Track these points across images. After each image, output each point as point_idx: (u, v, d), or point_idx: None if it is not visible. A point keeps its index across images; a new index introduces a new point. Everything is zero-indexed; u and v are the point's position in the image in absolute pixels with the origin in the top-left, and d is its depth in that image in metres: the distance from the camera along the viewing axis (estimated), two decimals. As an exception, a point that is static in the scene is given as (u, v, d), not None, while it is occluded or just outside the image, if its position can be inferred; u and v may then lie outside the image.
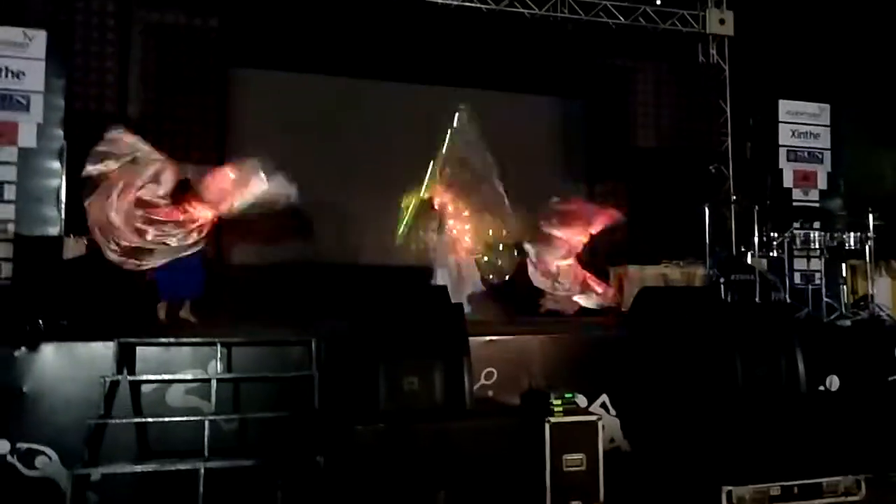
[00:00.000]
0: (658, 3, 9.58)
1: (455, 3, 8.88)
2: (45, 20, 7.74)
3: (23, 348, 4.13)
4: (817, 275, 7.46)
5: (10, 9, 7.55)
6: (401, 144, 8.97)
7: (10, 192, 6.46)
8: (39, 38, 6.63)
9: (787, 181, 8.56)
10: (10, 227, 6.40)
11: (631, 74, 10.46)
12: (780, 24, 9.49)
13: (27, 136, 6.57)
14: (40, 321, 4.40)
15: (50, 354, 4.18)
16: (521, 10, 9.12)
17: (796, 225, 7.26)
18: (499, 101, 9.20)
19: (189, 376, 4.30)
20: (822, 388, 5.39)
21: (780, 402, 4.57)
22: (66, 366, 4.19)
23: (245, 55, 8.81)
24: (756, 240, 7.24)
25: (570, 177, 9.68)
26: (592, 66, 10.12)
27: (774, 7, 9.45)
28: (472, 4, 8.95)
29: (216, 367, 4.32)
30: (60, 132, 6.64)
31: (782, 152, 8.58)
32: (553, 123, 9.47)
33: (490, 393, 4.76)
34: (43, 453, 4.08)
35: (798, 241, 7.12)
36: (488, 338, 4.84)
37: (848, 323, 6.47)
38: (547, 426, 4.23)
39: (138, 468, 3.94)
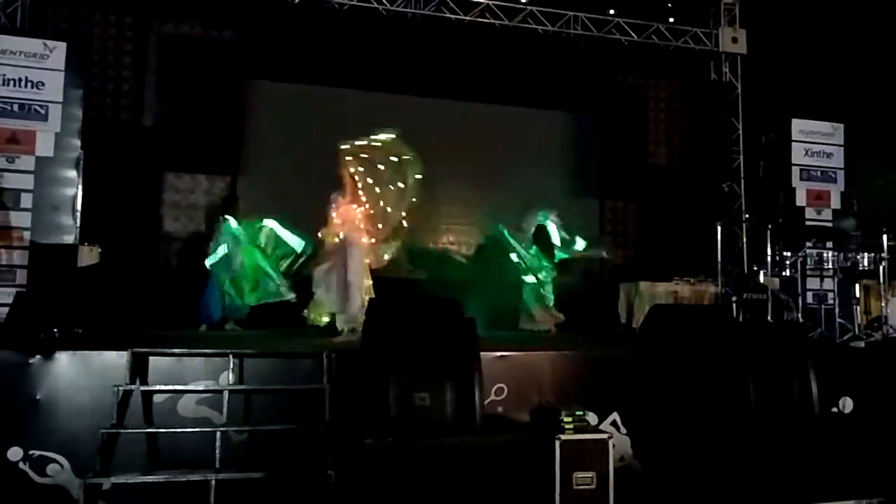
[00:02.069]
0: (671, 20, 9.62)
1: (469, 18, 8.96)
2: (65, 32, 7.90)
3: (38, 356, 4.16)
4: (830, 295, 7.40)
5: (31, 21, 7.70)
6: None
7: (26, 200, 6.56)
8: (59, 49, 6.76)
9: (800, 200, 8.55)
10: (26, 234, 6.48)
11: (643, 91, 10.49)
12: (794, 42, 9.50)
13: (45, 146, 6.68)
14: (55, 329, 4.43)
15: (64, 362, 4.20)
16: (535, 26, 9.18)
17: (809, 244, 7.22)
18: (511, 117, 9.24)
19: (201, 387, 4.31)
20: (835, 409, 5.34)
21: (792, 424, 4.54)
22: (79, 374, 4.21)
23: (260, 67, 8.90)
24: (769, 258, 7.21)
25: (582, 193, 9.68)
26: (605, 83, 10.16)
27: (788, 26, 9.47)
28: (487, 20, 9.02)
29: (228, 378, 4.33)
30: (77, 142, 6.75)
31: (795, 171, 8.57)
32: (565, 139, 9.49)
33: (500, 409, 4.74)
34: (55, 461, 4.09)
35: (811, 261, 7.08)
36: (499, 353, 4.83)
37: (861, 344, 6.40)
38: (557, 443, 4.21)
39: (150, 478, 3.95)
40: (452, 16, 8.91)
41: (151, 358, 4.33)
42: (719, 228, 7.36)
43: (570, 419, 4.35)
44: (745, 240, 9.12)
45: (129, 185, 8.17)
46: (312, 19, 8.71)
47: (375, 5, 8.70)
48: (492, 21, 9.03)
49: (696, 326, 5.10)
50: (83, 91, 6.88)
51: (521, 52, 9.35)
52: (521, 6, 9.11)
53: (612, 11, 9.39)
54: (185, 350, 4.47)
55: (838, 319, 6.65)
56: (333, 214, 6.35)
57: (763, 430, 4.45)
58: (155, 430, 4.18)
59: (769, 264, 7.23)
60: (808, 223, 8.32)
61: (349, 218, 6.28)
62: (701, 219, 9.11)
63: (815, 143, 8.66)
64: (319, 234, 6.52)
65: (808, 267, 7.19)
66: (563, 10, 9.21)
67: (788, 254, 7.23)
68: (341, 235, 6.25)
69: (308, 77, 8.95)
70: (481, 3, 8.97)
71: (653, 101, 10.50)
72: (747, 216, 8.99)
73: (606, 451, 4.30)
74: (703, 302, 8.08)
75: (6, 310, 5.23)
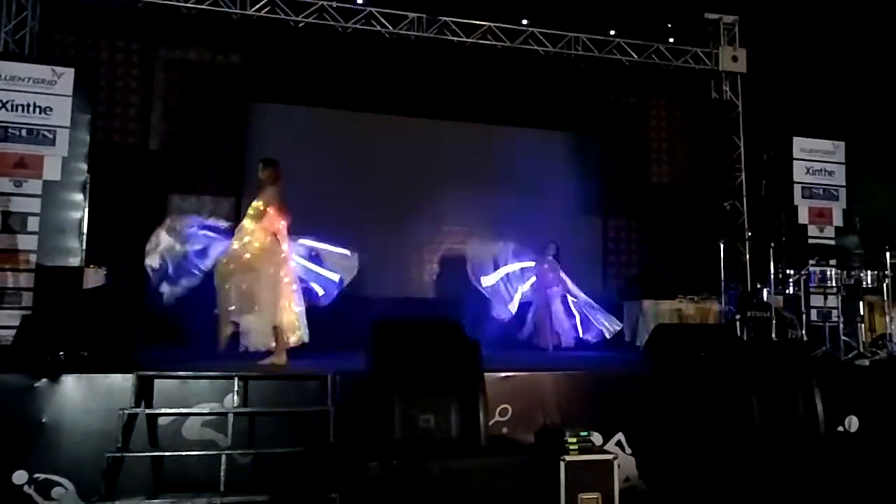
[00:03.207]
0: (671, 40, 9.72)
1: (471, 40, 9.07)
2: (73, 58, 8.02)
3: (44, 379, 4.18)
4: (834, 312, 7.39)
5: (39, 47, 7.82)
6: (417, 178, 9.10)
7: (33, 224, 6.61)
8: (67, 75, 6.86)
9: (803, 218, 8.57)
10: (32, 257, 6.53)
11: (644, 111, 10.56)
12: (793, 61, 9.58)
13: (52, 170, 6.75)
14: (61, 352, 4.45)
15: (70, 386, 4.23)
16: (536, 47, 9.28)
17: (812, 262, 7.23)
18: (514, 137, 9.31)
19: (206, 409, 4.33)
20: (840, 429, 5.32)
21: (797, 443, 4.51)
22: (85, 397, 4.24)
23: (265, 90, 9.00)
24: (772, 276, 7.21)
25: (585, 212, 9.73)
26: (606, 103, 10.24)
27: (787, 44, 9.56)
28: (488, 42, 9.13)
29: (233, 400, 4.35)
30: (84, 166, 6.82)
31: (797, 189, 8.60)
32: (568, 159, 9.53)
33: (504, 430, 4.75)
34: (60, 484, 4.11)
35: (814, 278, 7.08)
36: (503, 374, 4.84)
37: (866, 362, 6.38)
38: (562, 465, 4.20)
39: (155, 502, 3.94)
40: (454, 38, 9.03)
41: (156, 381, 4.35)
42: (722, 246, 7.38)
43: (574, 440, 4.35)
44: (748, 258, 9.13)
45: (135, 207, 8.24)
46: (316, 43, 8.83)
47: (378, 28, 8.82)
48: (493, 43, 9.15)
49: (701, 347, 5.09)
50: (91, 116, 6.96)
51: (523, 74, 9.45)
52: (523, 28, 9.22)
53: (612, 32, 9.50)
54: (190, 373, 4.49)
55: (843, 337, 6.63)
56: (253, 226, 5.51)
57: (768, 450, 4.43)
58: (160, 454, 4.19)
59: (772, 282, 7.23)
60: (810, 241, 8.32)
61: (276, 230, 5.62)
62: (704, 237, 9.14)
63: (817, 160, 8.69)
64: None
65: (811, 284, 7.20)
66: (564, 32, 9.32)
67: (792, 272, 7.24)
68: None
69: (312, 100, 9.05)
70: (483, 26, 9.08)
71: (654, 121, 10.56)
72: (750, 234, 9.01)
73: (611, 472, 4.29)
74: (707, 320, 8.08)
75: (12, 332, 5.29)
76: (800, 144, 8.68)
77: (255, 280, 5.28)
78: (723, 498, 4.36)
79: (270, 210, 5.47)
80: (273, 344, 5.30)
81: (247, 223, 5.49)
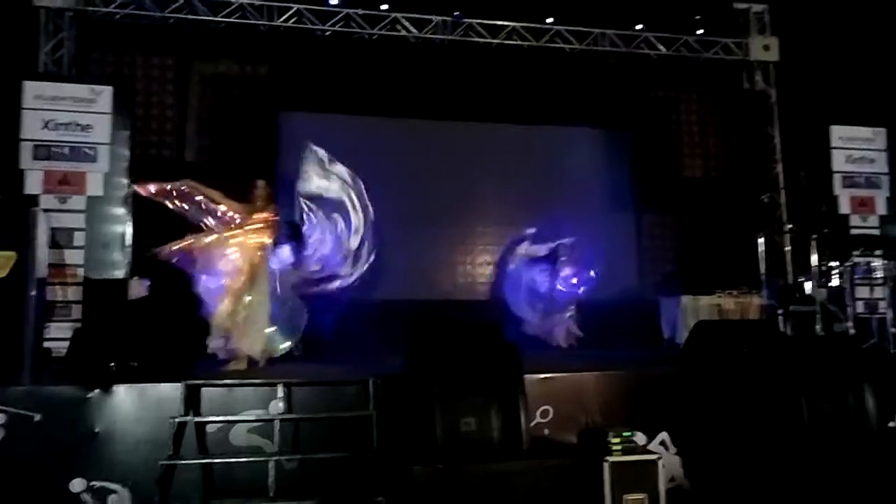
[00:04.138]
0: (700, 32, 9.58)
1: (497, 41, 9.06)
2: (111, 76, 8.24)
3: (96, 390, 4.31)
4: (882, 303, 7.21)
5: (77, 66, 8.05)
6: (448, 181, 9.12)
7: (79, 239, 6.82)
8: (106, 93, 7.07)
9: (844, 208, 8.38)
10: (80, 271, 6.74)
11: (676, 104, 10.41)
12: (827, 47, 9.35)
13: (95, 185, 6.97)
14: (112, 363, 4.58)
15: (121, 396, 4.35)
16: (562, 45, 9.24)
17: (856, 253, 7.06)
18: (544, 136, 9.28)
19: (252, 416, 4.41)
20: (892, 424, 5.18)
21: (848, 441, 4.42)
22: (136, 407, 4.35)
23: (294, 99, 9.12)
24: (814, 269, 7.06)
25: (618, 208, 9.65)
26: (636, 98, 10.12)
27: (820, 31, 9.33)
28: (514, 42, 9.11)
29: (278, 406, 4.42)
30: (125, 180, 7.02)
31: (837, 178, 8.42)
32: (599, 155, 9.47)
33: (546, 431, 4.73)
34: (115, 491, 4.22)
35: (860, 270, 6.91)
36: (543, 375, 4.82)
37: (917, 354, 6.22)
38: (605, 466, 4.18)
39: (208, 508, 4.04)
40: (480, 39, 9.04)
41: (203, 389, 4.45)
42: (761, 240, 7.25)
43: (617, 440, 4.31)
44: (788, 250, 8.95)
45: (174, 217, 8.41)
46: (343, 50, 8.92)
47: (404, 33, 8.88)
48: (519, 42, 9.13)
49: (744, 343, 5.02)
50: (129, 131, 7.15)
51: (551, 72, 9.41)
52: (548, 26, 9.18)
53: (639, 26, 9.40)
54: (235, 381, 4.59)
55: (892, 329, 6.46)
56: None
57: (817, 448, 4.34)
58: (210, 460, 4.28)
59: (815, 275, 7.08)
60: (853, 231, 8.13)
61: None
62: (741, 230, 8.99)
63: (856, 148, 8.50)
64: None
65: (856, 276, 7.04)
66: (590, 28, 9.26)
67: (835, 263, 7.08)
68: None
69: (340, 107, 9.13)
70: (508, 26, 9.07)
71: (686, 114, 10.41)
72: (789, 226, 8.83)
73: (656, 473, 4.25)
74: (748, 315, 7.95)
75: (63, 343, 5.46)
76: (838, 133, 8.50)
77: None
78: (771, 497, 4.29)
79: None
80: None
81: None
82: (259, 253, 5.54)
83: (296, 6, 8.55)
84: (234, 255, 5.48)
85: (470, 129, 9.41)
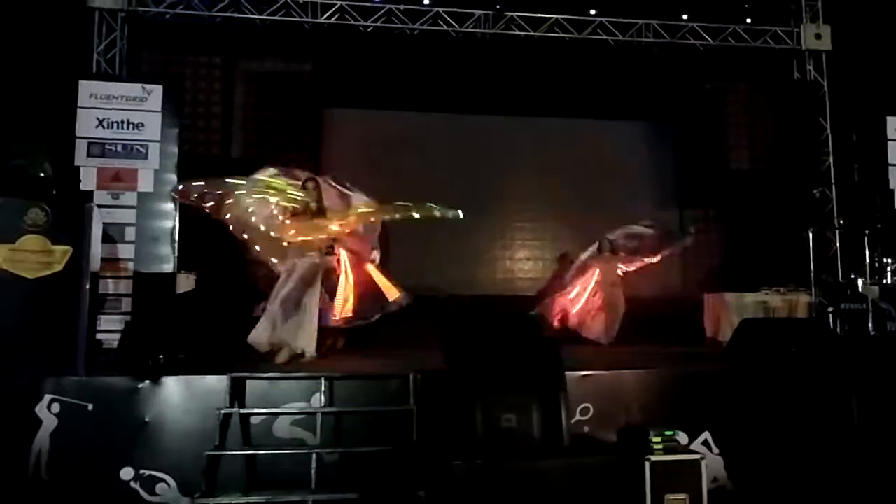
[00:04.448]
0: (748, 21, 9.31)
1: (538, 34, 8.98)
2: (160, 75, 8.46)
3: (146, 381, 4.46)
4: (938, 302, 6.92)
5: (129, 65, 8.29)
6: (489, 175, 9.11)
7: (130, 234, 7.05)
8: (156, 91, 7.27)
9: (900, 202, 8.06)
10: (130, 265, 6.97)
11: (722, 96, 10.15)
12: (883, 35, 8.98)
13: (145, 182, 7.19)
14: (161, 356, 4.73)
15: (170, 387, 4.48)
16: (605, 37, 9.10)
17: (912, 249, 6.80)
18: (587, 129, 9.18)
19: (295, 409, 4.50)
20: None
21: (902, 444, 4.28)
22: (184, 398, 4.48)
23: (337, 95, 9.23)
24: (867, 266, 6.82)
25: (661, 202, 9.48)
26: (681, 89, 9.91)
27: (875, 18, 8.97)
28: (556, 35, 9.02)
29: (320, 399, 4.50)
30: (174, 176, 7.21)
31: (893, 171, 8.09)
32: (643, 149, 9.33)
33: (586, 429, 4.71)
34: (163, 480, 4.36)
35: (914, 267, 6.66)
36: (583, 373, 4.79)
37: (975, 355, 5.95)
38: (647, 465, 4.12)
39: (252, 499, 4.13)
40: (522, 33, 8.97)
41: (248, 381, 4.56)
42: (811, 235, 7.04)
43: (658, 439, 4.25)
44: (838, 246, 8.66)
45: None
46: (385, 46, 8.97)
47: (445, 28, 8.88)
48: (561, 35, 9.03)
49: (792, 342, 4.89)
50: (178, 129, 7.34)
51: (594, 64, 9.29)
52: (591, 18, 9.05)
53: (685, 17, 9.20)
54: (278, 374, 4.69)
55: (948, 329, 6.22)
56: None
57: (868, 451, 4.22)
58: (254, 452, 4.39)
59: (868, 272, 6.84)
60: (908, 226, 7.82)
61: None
62: (788, 225, 8.72)
63: (913, 140, 8.16)
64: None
65: (910, 274, 6.78)
66: (633, 19, 9.10)
67: (889, 260, 6.83)
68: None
69: (382, 103, 9.22)
70: (550, 18, 8.98)
71: (733, 105, 10.13)
72: (841, 221, 8.53)
73: (699, 473, 4.17)
74: (795, 312, 7.73)
75: (113, 335, 5.67)
76: (894, 124, 8.16)
77: None
78: (817, 499, 4.19)
79: None
80: None
81: None
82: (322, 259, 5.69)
83: (339, 2, 8.63)
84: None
85: (511, 123, 9.38)
